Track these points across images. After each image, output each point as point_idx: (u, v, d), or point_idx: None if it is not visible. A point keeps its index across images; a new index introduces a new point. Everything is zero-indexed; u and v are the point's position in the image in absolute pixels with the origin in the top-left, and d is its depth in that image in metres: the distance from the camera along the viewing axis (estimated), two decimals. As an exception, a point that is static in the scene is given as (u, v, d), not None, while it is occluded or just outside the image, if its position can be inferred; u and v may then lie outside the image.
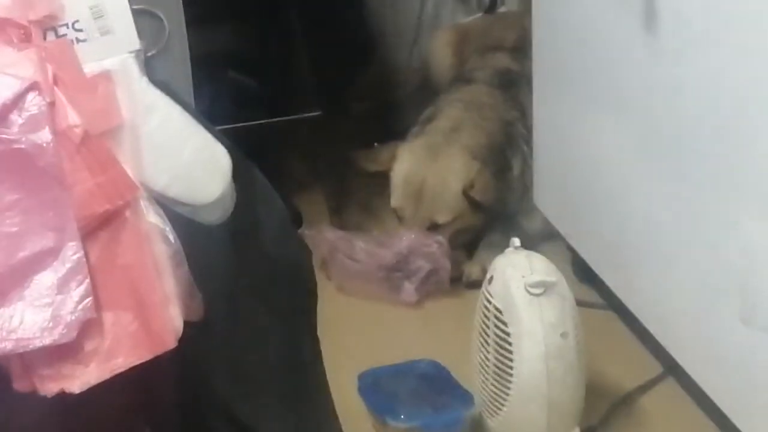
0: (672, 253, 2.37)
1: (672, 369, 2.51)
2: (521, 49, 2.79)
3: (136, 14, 1.54)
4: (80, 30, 1.51)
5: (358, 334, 2.75)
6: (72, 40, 1.51)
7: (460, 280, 2.78)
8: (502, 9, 3.16)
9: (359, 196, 3.08)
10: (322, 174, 3.06)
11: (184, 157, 1.53)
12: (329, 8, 2.90)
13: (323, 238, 2.89)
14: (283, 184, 1.97)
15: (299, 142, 3.03)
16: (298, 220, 2.82)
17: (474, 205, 2.81)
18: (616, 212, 2.58)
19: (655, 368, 2.60)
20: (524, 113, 2.85)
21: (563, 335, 2.19)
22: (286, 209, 1.80)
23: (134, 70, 1.53)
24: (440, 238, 2.73)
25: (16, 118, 1.40)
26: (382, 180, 2.91)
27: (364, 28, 2.97)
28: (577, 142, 2.58)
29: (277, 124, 2.83)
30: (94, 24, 1.51)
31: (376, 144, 2.96)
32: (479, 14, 3.17)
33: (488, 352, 2.28)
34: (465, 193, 2.74)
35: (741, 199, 2.01)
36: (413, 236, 2.77)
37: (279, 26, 2.84)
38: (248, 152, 1.78)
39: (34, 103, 1.41)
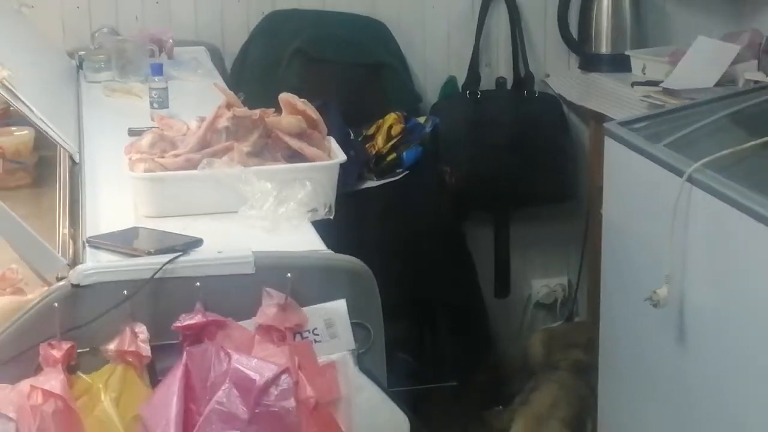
0: None
1: None
2: (591, 346, 2.75)
3: (353, 325, 1.53)
4: (317, 335, 1.52)
5: None
6: (311, 341, 1.51)
7: None
8: (577, 319, 3.16)
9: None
10: (461, 428, 2.97)
11: (379, 422, 1.51)
12: (464, 315, 2.91)
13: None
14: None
15: (442, 407, 2.92)
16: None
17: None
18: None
19: None
20: (594, 392, 2.70)
21: None
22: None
23: (350, 362, 1.52)
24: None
25: (274, 391, 1.41)
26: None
27: (486, 328, 2.96)
28: (632, 424, 2.46)
29: (424, 391, 2.83)
30: (326, 331, 1.51)
31: (499, 407, 2.90)
32: (561, 321, 3.16)
33: None
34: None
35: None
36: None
37: (430, 324, 2.84)
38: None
39: (285, 381, 1.41)
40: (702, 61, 2.54)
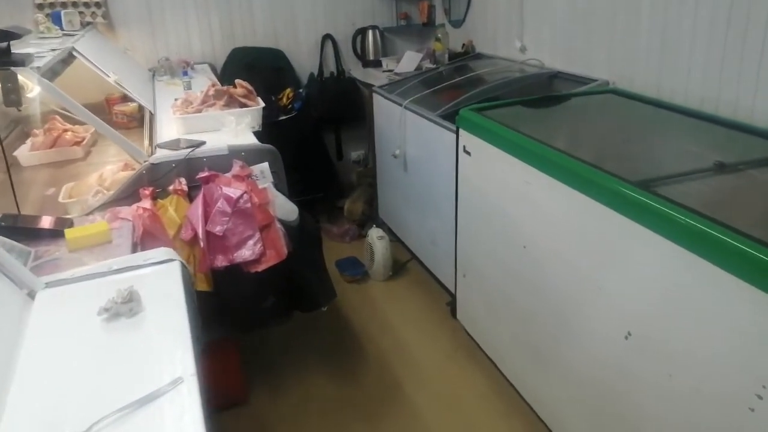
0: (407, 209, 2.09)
1: (414, 256, 2.17)
2: (374, 176, 2.49)
3: (272, 173, 1.49)
4: (257, 177, 1.47)
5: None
6: (255, 180, 1.47)
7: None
8: (368, 166, 2.67)
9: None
10: (327, 210, 2.78)
11: (286, 209, 1.50)
12: (325, 167, 2.79)
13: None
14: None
15: (317, 206, 2.74)
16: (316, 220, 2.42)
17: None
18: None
19: (407, 255, 2.25)
20: (375, 191, 2.50)
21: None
22: (314, 221, 1.65)
23: (272, 187, 1.48)
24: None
25: (240, 200, 1.39)
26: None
27: (333, 172, 2.85)
28: (388, 200, 2.35)
29: (303, 200, 2.67)
30: (261, 176, 1.46)
31: (343, 199, 2.78)
32: (363, 168, 2.85)
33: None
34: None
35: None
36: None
37: (308, 173, 2.73)
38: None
39: (245, 196, 1.40)
40: (409, 60, 2.52)
